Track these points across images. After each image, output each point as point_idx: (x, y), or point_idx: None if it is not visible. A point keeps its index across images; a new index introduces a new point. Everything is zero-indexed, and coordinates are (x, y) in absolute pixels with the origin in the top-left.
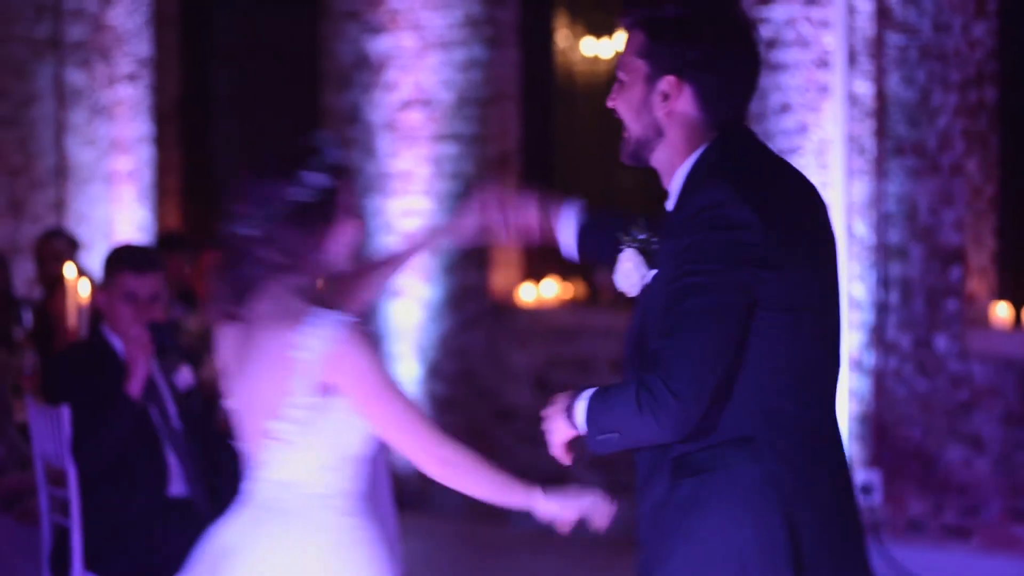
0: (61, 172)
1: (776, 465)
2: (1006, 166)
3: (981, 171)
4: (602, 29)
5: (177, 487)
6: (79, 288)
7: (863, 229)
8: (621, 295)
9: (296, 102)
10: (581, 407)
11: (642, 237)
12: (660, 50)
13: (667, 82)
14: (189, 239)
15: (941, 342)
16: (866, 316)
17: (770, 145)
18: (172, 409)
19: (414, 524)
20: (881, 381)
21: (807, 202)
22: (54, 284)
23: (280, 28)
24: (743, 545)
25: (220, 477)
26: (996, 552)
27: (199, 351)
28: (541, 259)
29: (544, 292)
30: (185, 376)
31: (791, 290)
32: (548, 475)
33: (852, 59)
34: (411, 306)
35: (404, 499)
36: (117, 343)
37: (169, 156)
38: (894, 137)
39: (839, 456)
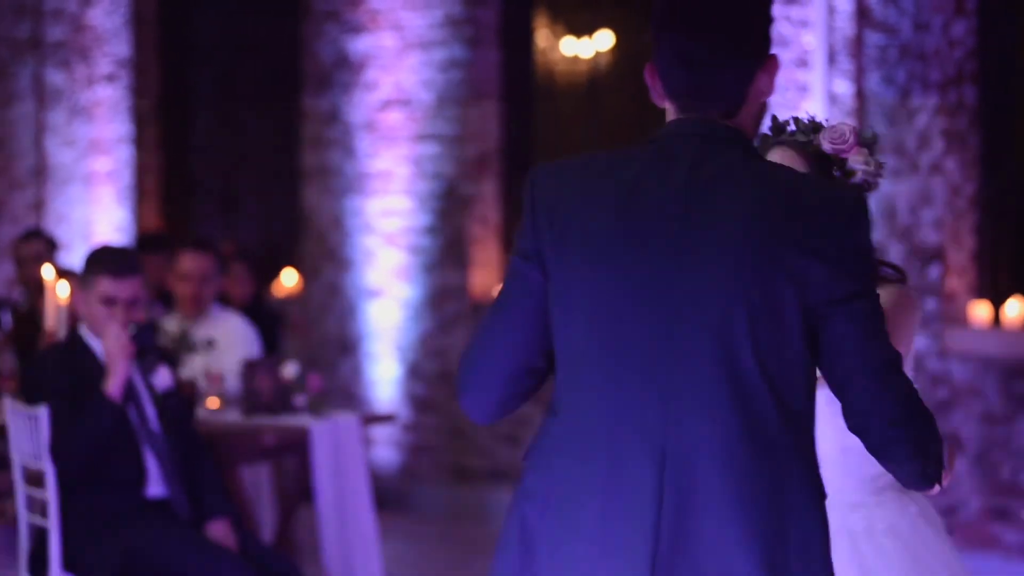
0: (40, 173)
1: (530, 459)
2: (985, 165)
3: (960, 170)
4: (583, 29)
5: (155, 488)
6: (57, 290)
7: None
8: None
9: (276, 102)
10: None
11: None
12: None
13: (647, 69)
14: (168, 240)
15: (920, 341)
16: None
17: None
18: (151, 410)
19: (393, 525)
20: None
21: (624, 192)
22: (33, 285)
23: (260, 28)
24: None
25: (198, 478)
26: (975, 551)
27: (178, 352)
28: None
29: None
30: (164, 377)
31: (557, 285)
32: None
33: (832, 58)
34: (390, 306)
35: (383, 500)
36: (96, 344)
37: (148, 157)
38: None
39: (601, 471)
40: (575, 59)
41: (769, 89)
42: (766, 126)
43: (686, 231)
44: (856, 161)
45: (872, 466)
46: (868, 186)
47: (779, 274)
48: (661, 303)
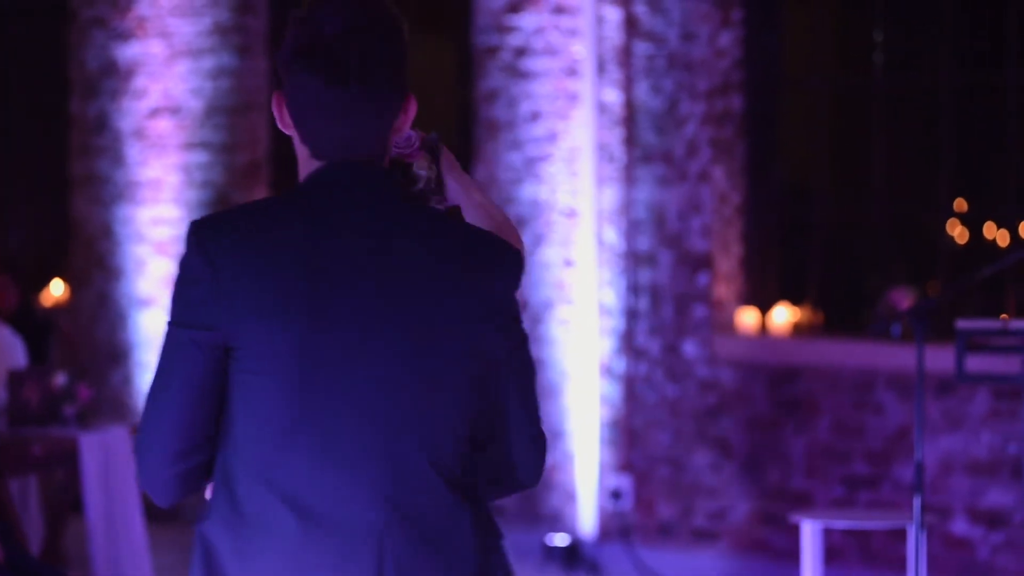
0: None
1: (213, 530)
2: (752, 174)
3: (727, 178)
4: None
5: None
6: None
7: (613, 236)
8: None
9: (43, 109)
10: None
11: None
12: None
13: (274, 97)
14: None
15: (689, 347)
16: (616, 322)
17: (520, 153)
18: None
19: (164, 536)
20: (631, 387)
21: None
22: None
23: (26, 34)
24: None
25: None
26: (743, 554)
27: None
28: None
29: None
30: None
31: (250, 352)
32: None
33: (601, 68)
34: (161, 315)
35: (153, 511)
36: None
37: None
38: (643, 145)
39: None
40: None
41: (405, 127)
42: None
43: (368, 293)
44: (420, 167)
45: None
46: (429, 195)
47: (454, 333)
48: (346, 376)
